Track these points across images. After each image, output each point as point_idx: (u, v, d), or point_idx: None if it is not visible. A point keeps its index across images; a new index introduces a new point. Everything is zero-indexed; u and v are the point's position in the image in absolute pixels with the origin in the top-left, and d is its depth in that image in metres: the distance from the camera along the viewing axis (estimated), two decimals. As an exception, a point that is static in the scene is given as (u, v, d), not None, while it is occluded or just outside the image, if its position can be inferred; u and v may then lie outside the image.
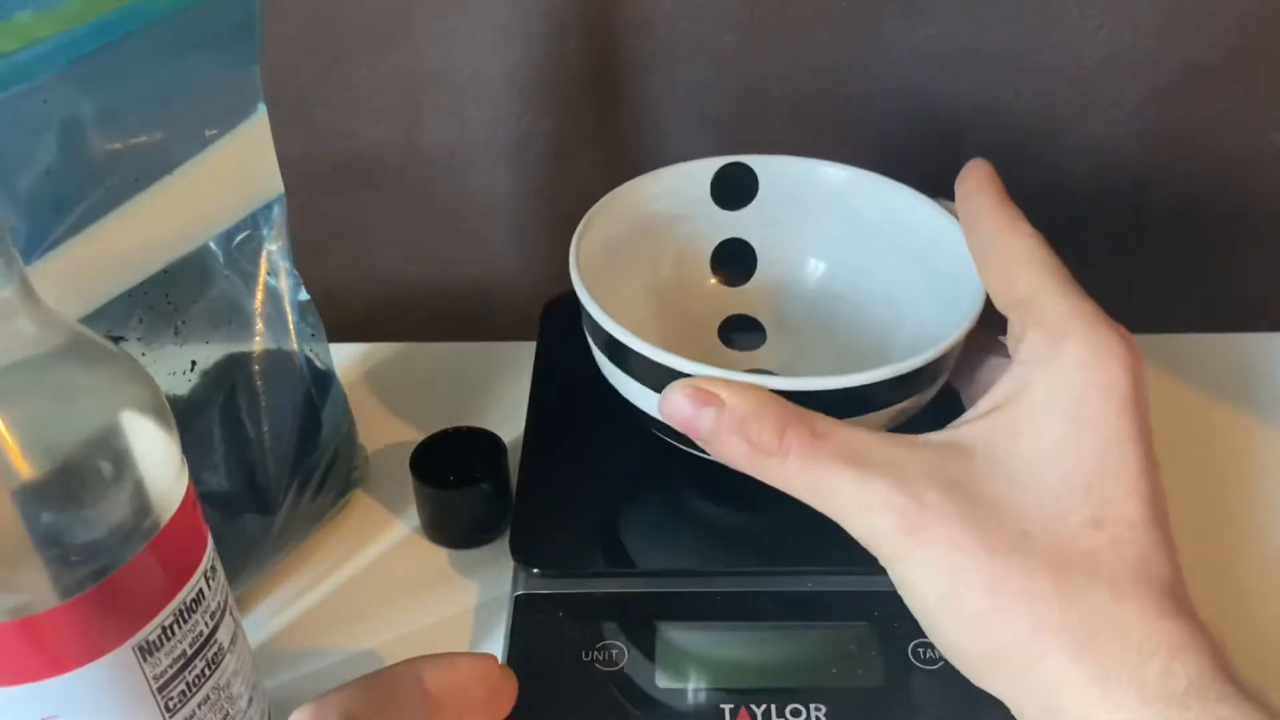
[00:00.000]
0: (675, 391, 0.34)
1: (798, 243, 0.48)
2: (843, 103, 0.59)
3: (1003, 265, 0.34)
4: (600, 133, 0.60)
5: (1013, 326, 0.34)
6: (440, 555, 0.47)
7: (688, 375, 0.36)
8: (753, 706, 0.37)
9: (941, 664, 0.38)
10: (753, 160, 0.47)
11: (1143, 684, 0.28)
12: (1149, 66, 0.57)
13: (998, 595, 0.29)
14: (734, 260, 0.49)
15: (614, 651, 0.39)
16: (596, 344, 0.41)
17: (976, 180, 0.37)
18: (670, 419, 0.34)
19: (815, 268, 0.49)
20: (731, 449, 0.33)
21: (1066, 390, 0.31)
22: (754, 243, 0.49)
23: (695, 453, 0.41)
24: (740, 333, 0.49)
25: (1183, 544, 0.43)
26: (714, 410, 0.33)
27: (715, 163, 0.47)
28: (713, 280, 0.49)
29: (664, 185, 0.47)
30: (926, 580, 0.30)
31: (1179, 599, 0.30)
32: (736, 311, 0.49)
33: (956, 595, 0.30)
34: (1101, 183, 0.61)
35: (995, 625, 0.29)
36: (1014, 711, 0.30)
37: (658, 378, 0.38)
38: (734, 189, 0.47)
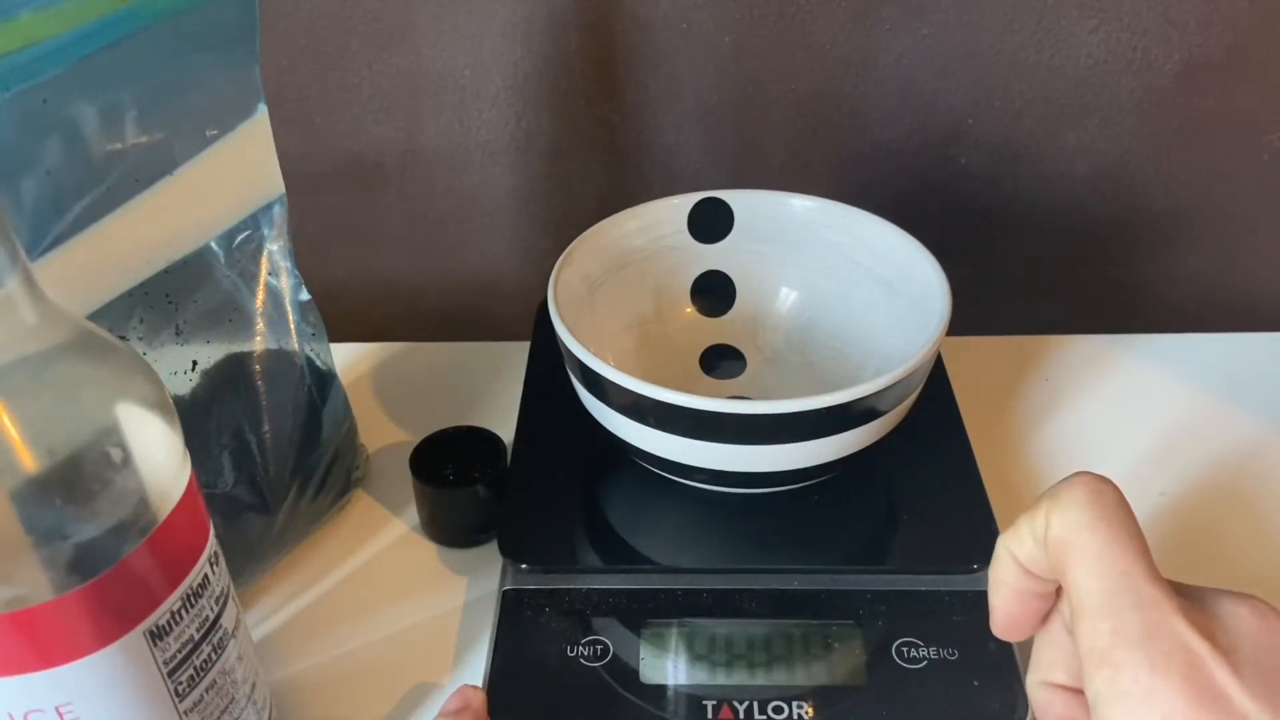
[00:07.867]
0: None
1: (774, 273, 0.49)
2: (842, 102, 0.59)
3: None
4: (600, 133, 0.60)
5: None
6: (440, 554, 0.47)
7: (662, 402, 0.37)
8: (735, 703, 0.37)
9: (925, 664, 0.38)
10: (727, 195, 0.48)
11: None
12: (1147, 66, 0.57)
13: None
14: (714, 292, 0.50)
15: (599, 647, 0.40)
16: (575, 375, 0.41)
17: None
18: None
19: (791, 297, 0.50)
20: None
21: None
22: (732, 274, 0.49)
23: (682, 480, 0.42)
24: (722, 362, 0.49)
25: (1181, 545, 0.43)
26: None
27: (691, 199, 0.48)
28: (694, 312, 0.50)
29: (641, 221, 0.47)
30: None
31: None
32: (717, 341, 0.50)
33: None
34: (1100, 182, 0.61)
35: None
36: None
37: (634, 405, 0.38)
38: (710, 223, 0.48)
